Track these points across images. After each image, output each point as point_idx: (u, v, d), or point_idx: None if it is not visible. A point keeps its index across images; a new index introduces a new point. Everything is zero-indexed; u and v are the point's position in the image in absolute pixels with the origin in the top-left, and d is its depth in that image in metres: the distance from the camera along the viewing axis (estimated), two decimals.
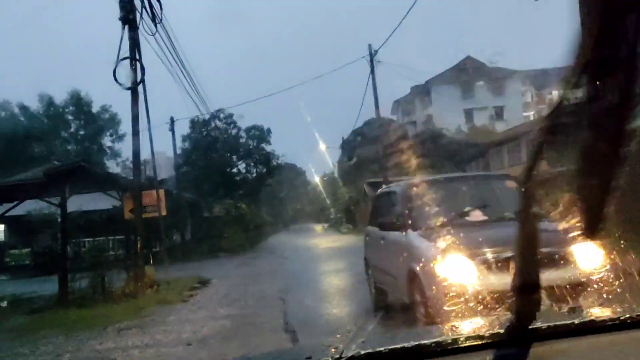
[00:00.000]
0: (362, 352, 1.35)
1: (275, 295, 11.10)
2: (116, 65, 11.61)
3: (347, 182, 46.31)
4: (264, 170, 37.73)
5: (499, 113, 60.95)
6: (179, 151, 37.30)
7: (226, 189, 35.97)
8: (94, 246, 21.47)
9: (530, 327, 1.33)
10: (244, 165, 37.62)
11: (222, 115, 36.88)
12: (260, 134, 37.18)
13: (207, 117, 35.40)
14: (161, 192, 14.91)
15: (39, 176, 13.36)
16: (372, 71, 25.62)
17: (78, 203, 15.50)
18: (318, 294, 11.17)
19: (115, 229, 20.65)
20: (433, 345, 1.40)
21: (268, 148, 37.75)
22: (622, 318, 1.43)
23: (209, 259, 23.96)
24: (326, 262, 18.21)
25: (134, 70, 12.25)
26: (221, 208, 29.85)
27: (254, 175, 38.12)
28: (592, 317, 1.50)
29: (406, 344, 1.39)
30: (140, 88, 12.44)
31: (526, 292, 1.25)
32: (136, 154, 12.56)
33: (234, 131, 37.27)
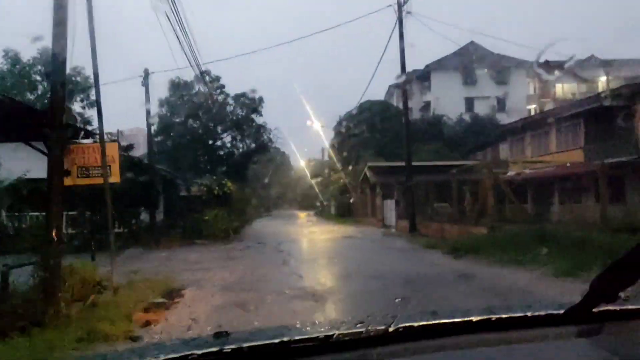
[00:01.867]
0: (415, 324, 1.39)
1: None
2: None
3: (341, 166, 41.12)
4: (253, 145, 32.20)
5: (501, 103, 56.52)
6: (155, 119, 31.60)
7: (208, 165, 30.54)
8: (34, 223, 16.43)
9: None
10: (230, 138, 32.05)
11: (207, 78, 31.16)
12: (251, 103, 31.58)
13: (189, 79, 29.85)
14: (112, 146, 9.37)
15: None
16: (400, 22, 20.27)
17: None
18: None
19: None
20: (477, 322, 1.44)
21: (259, 120, 32.23)
22: None
23: (183, 248, 18.51)
24: (344, 263, 12.91)
25: None
26: (202, 186, 24.29)
27: (242, 150, 32.56)
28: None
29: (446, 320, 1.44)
30: None
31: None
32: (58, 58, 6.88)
33: (220, 97, 31.63)
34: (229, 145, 31.82)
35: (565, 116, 28.83)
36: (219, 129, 31.37)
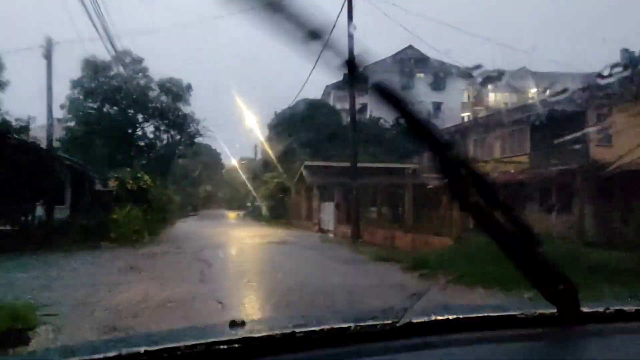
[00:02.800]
0: (431, 319, 1.39)
1: None
2: None
3: (275, 165, 38.08)
4: (179, 137, 28.59)
5: (437, 109, 55.87)
6: (66, 103, 27.53)
7: (127, 156, 26.72)
8: None
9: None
10: (152, 128, 28.29)
11: (128, 59, 27.37)
12: (178, 90, 27.95)
13: (107, 58, 25.89)
14: None
15: None
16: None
17: None
18: None
19: None
20: (482, 318, 1.46)
21: (186, 109, 28.66)
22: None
23: (83, 252, 14.93)
24: (280, 283, 9.96)
25: None
26: (114, 179, 20.57)
27: (165, 142, 28.87)
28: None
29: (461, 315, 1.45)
30: None
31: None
32: None
33: (142, 81, 27.81)
34: (151, 135, 28.05)
35: (512, 121, 27.44)
36: (140, 117, 27.53)
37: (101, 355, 1.15)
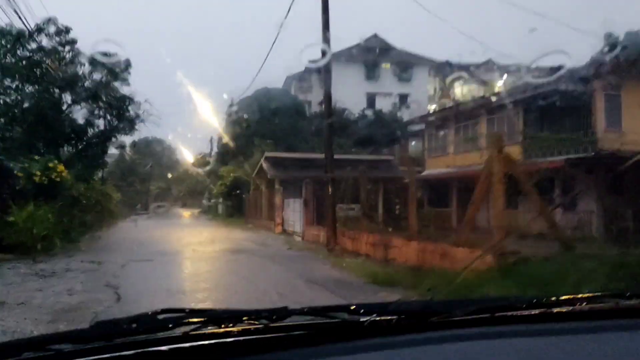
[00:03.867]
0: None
1: None
2: None
3: (232, 157, 33.50)
4: (116, 122, 23.70)
5: (403, 101, 52.63)
6: None
7: (51, 145, 21.86)
8: None
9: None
10: (85, 111, 23.32)
11: (52, 29, 22.41)
12: (114, 66, 23.05)
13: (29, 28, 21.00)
14: None
15: None
16: None
17: None
18: None
19: None
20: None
21: (125, 90, 23.81)
22: None
23: None
24: None
25: None
26: (19, 171, 15.68)
27: (101, 129, 23.93)
28: None
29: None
30: None
31: None
32: None
33: (69, 55, 22.82)
34: (81, 121, 23.00)
35: (497, 107, 23.95)
36: (66, 96, 22.52)
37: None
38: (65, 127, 22.70)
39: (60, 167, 15.76)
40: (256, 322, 1.21)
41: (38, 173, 14.88)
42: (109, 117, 23.99)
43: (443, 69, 57.75)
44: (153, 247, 15.53)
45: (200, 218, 43.83)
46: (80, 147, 23.13)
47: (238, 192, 31.49)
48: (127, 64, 23.82)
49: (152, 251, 14.42)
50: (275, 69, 52.48)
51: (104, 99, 23.25)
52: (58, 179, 15.43)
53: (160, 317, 1.22)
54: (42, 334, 1.64)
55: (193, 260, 12.95)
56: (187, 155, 63.38)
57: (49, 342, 1.17)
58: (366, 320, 1.23)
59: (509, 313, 1.36)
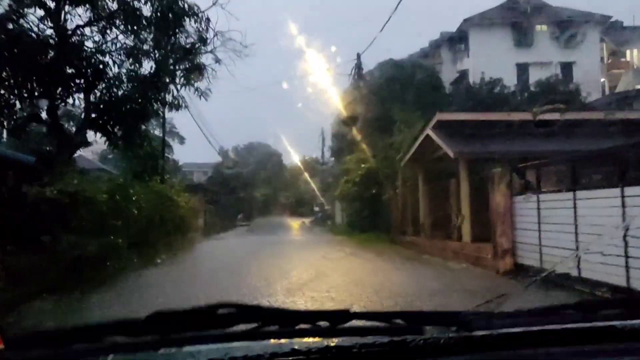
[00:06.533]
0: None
1: None
2: None
3: (361, 140, 22.16)
4: (163, 50, 13.13)
5: (566, 73, 38.92)
6: None
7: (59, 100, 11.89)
8: None
9: None
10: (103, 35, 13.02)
11: None
12: None
13: None
14: None
15: None
16: None
17: None
18: None
19: None
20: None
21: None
22: None
23: None
24: None
25: None
26: None
27: (130, 68, 13.40)
28: None
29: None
30: None
31: None
32: None
33: None
34: (105, 57, 12.63)
35: None
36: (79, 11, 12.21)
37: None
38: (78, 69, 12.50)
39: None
40: (316, 325, 1.15)
41: None
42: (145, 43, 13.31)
43: (613, 31, 44.55)
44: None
45: (314, 231, 33.37)
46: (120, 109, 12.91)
47: (373, 192, 20.01)
48: None
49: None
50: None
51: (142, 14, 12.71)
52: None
53: (219, 312, 1.15)
54: (97, 321, 1.10)
55: None
56: (294, 158, 55.02)
57: (103, 331, 1.13)
58: (420, 339, 1.11)
59: None
